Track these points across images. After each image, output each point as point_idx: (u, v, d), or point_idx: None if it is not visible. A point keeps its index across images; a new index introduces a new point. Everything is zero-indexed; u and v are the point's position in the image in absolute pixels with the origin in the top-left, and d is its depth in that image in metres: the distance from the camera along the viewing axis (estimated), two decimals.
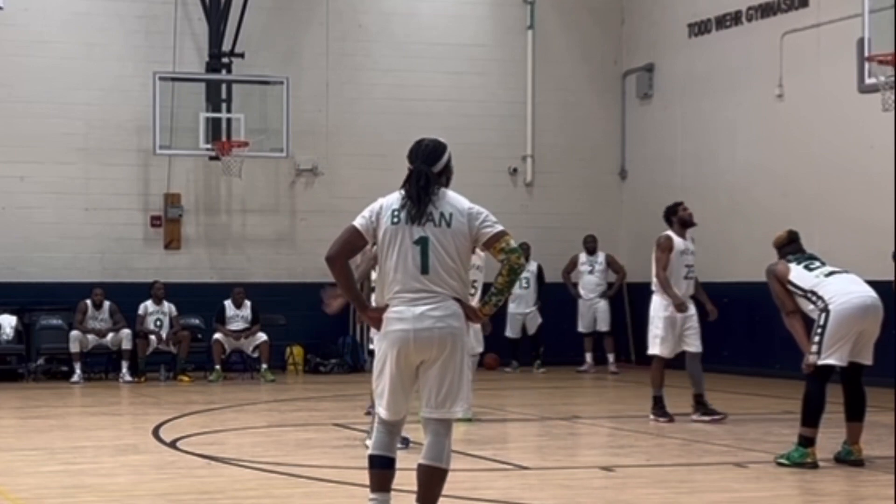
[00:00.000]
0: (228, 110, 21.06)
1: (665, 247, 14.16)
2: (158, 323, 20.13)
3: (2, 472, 10.29)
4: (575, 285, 21.67)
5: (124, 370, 19.59)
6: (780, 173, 19.98)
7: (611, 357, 21.19)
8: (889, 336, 16.39)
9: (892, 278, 14.10)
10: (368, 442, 9.17)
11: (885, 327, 13.58)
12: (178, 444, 11.80)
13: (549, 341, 21.38)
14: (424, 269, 6.96)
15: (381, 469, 7.18)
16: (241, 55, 21.33)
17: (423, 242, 6.97)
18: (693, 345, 14.06)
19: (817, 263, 10.79)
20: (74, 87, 20.91)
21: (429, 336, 6.94)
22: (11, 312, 20.06)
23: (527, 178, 23.17)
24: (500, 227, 7.04)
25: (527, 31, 23.31)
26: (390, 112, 22.32)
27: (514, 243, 7.03)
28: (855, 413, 10.58)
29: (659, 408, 13.78)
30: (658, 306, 14.00)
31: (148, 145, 20.83)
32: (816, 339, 10.36)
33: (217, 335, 19.93)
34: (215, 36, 21.31)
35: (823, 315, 10.35)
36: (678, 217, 14.42)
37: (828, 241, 16.62)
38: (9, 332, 19.91)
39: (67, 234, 20.78)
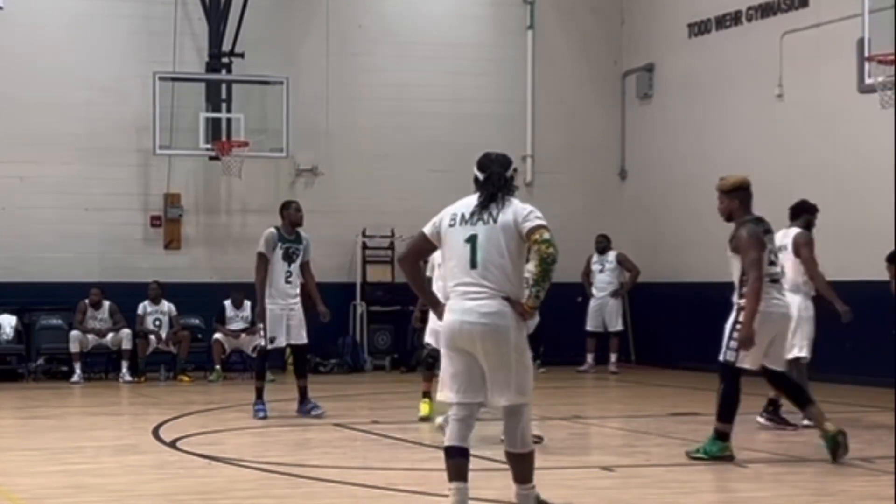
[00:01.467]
0: (228, 110, 21.07)
1: (812, 245, 13.31)
2: (158, 323, 20.13)
3: (2, 472, 10.29)
4: (591, 285, 21.67)
5: (124, 370, 19.59)
6: (779, 173, 19.97)
7: (613, 357, 21.17)
8: (888, 336, 16.41)
9: (890, 279, 14.08)
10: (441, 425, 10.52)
11: (885, 328, 13.61)
12: (178, 444, 11.80)
13: (549, 341, 21.36)
14: (473, 265, 7.47)
15: (458, 458, 7.52)
16: (241, 55, 21.33)
17: (472, 240, 7.48)
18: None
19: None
20: (74, 87, 20.91)
21: (470, 330, 7.44)
22: (11, 312, 20.07)
23: (527, 178, 23.16)
24: (539, 222, 7.51)
25: (527, 31, 23.32)
26: (390, 112, 22.33)
27: (547, 235, 7.46)
28: None
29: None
30: (809, 307, 13.26)
31: (148, 145, 20.84)
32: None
33: (217, 335, 19.94)
34: (215, 36, 21.32)
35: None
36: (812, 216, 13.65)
37: (827, 241, 16.62)
38: (9, 332, 19.92)
39: (67, 234, 20.78)
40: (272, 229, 14.48)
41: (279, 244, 14.33)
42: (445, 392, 7.61)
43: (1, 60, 20.64)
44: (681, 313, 20.91)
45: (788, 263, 12.76)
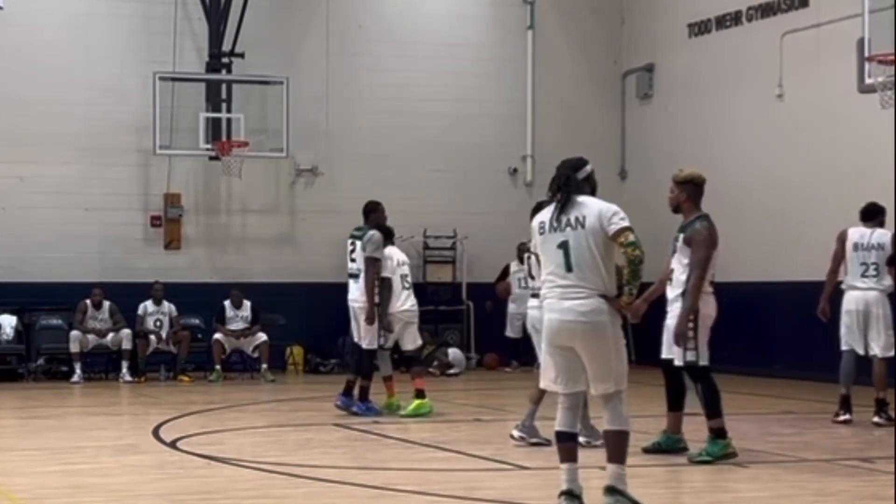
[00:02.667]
0: (228, 110, 21.07)
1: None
2: (158, 323, 20.13)
3: (2, 472, 10.28)
4: None
5: (124, 370, 19.58)
6: (779, 173, 19.98)
7: None
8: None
9: (891, 281, 14.06)
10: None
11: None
12: (178, 444, 11.79)
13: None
14: (569, 268, 7.98)
15: (569, 442, 8.08)
16: (241, 55, 21.33)
17: (564, 246, 7.99)
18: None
19: None
20: (74, 87, 20.91)
21: (571, 328, 7.95)
22: (11, 312, 20.06)
23: (527, 178, 23.17)
24: (624, 224, 7.99)
25: (527, 31, 23.32)
26: (390, 112, 22.33)
27: (632, 238, 7.95)
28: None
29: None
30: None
31: (148, 145, 20.84)
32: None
33: (217, 335, 19.93)
34: (215, 36, 21.31)
35: None
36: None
37: (827, 241, 16.61)
38: (9, 332, 19.92)
39: (67, 234, 20.77)
40: (378, 233, 14.06)
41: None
42: (549, 383, 8.16)
43: (1, 60, 20.64)
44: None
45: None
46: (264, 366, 19.81)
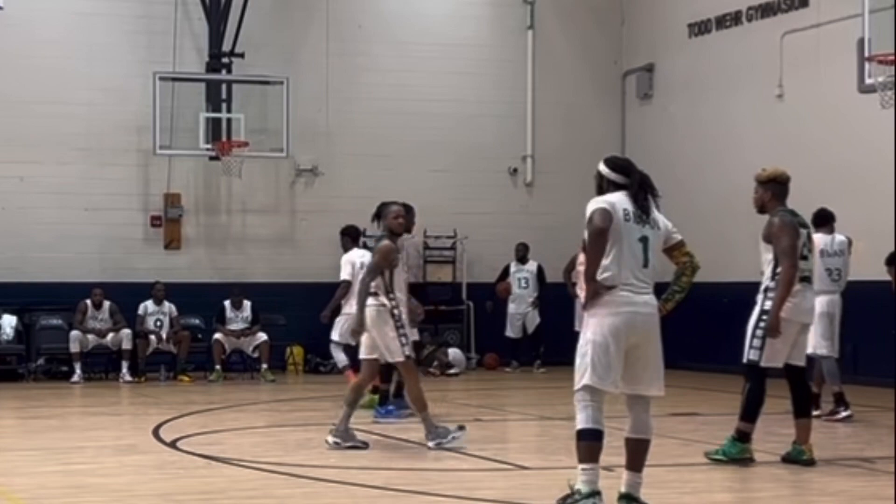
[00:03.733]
0: (228, 110, 21.07)
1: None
2: (158, 323, 20.13)
3: (2, 472, 10.28)
4: (574, 284, 21.63)
5: (124, 370, 19.58)
6: None
7: None
8: (889, 336, 16.41)
9: (891, 279, 14.08)
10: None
11: (885, 328, 13.64)
12: (178, 444, 11.79)
13: (549, 341, 21.36)
14: (645, 264, 8.04)
15: (598, 441, 8.01)
16: (241, 55, 21.34)
17: (644, 241, 8.03)
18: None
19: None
20: (74, 87, 20.91)
21: (645, 322, 7.97)
22: (11, 312, 20.07)
23: (527, 178, 23.17)
24: (681, 237, 8.34)
25: (527, 31, 23.33)
26: (390, 112, 22.34)
27: (688, 249, 8.35)
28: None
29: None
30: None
31: (148, 145, 20.84)
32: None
33: (217, 335, 19.93)
34: (215, 36, 21.32)
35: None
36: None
37: None
38: (9, 332, 19.92)
39: (67, 234, 20.78)
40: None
41: None
42: (596, 379, 7.94)
43: (1, 60, 20.64)
44: (680, 313, 20.84)
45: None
46: (264, 366, 19.82)
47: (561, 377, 20.25)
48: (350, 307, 14.02)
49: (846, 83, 16.63)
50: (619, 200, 8.03)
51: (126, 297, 20.03)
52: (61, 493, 9.29)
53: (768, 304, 10.30)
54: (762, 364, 10.31)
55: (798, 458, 10.31)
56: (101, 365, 20.31)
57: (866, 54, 15.00)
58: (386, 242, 11.63)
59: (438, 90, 22.61)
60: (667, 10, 22.66)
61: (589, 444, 7.98)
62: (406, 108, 22.41)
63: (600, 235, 7.80)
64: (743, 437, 10.36)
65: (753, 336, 10.42)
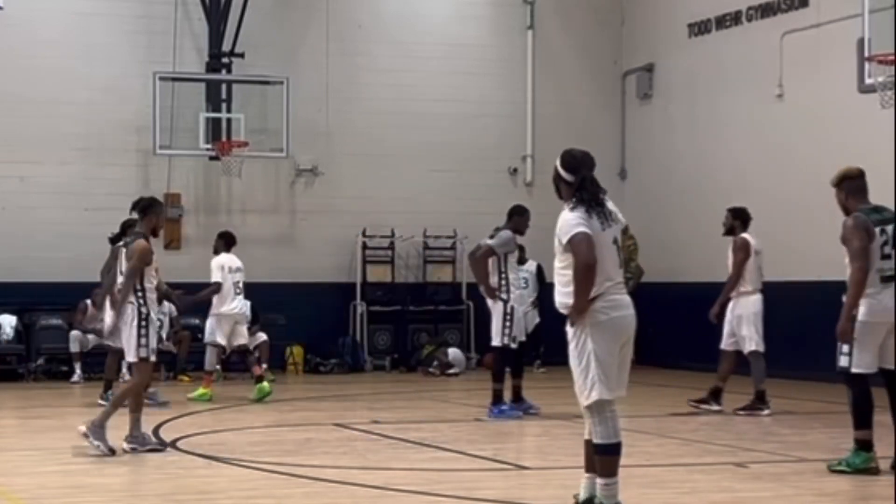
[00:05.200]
0: (228, 110, 21.07)
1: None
2: (158, 323, 20.07)
3: (2, 472, 10.28)
4: None
5: (124, 370, 19.54)
6: (779, 173, 19.98)
7: None
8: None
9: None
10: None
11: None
12: (178, 444, 11.80)
13: (549, 341, 21.35)
14: (621, 263, 7.95)
15: (620, 454, 7.88)
16: (241, 55, 21.34)
17: (616, 242, 7.93)
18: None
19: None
20: (74, 87, 20.91)
21: (632, 322, 7.93)
22: (11, 312, 20.06)
23: (527, 178, 23.17)
24: (624, 220, 8.07)
25: (527, 31, 23.32)
26: (390, 112, 22.33)
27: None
28: None
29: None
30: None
31: (148, 145, 20.84)
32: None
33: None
34: (215, 36, 21.32)
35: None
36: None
37: (827, 241, 16.61)
38: (9, 332, 19.92)
39: (67, 234, 20.75)
40: (511, 232, 14.60)
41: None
42: (606, 391, 7.86)
43: (1, 60, 20.64)
44: (680, 313, 20.89)
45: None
46: (264, 366, 19.79)
47: (561, 377, 20.24)
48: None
49: (846, 83, 16.63)
50: (581, 213, 7.89)
51: None
52: (61, 493, 9.29)
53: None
54: (853, 370, 9.95)
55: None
56: (102, 365, 20.24)
57: (866, 54, 15.00)
58: (142, 241, 11.45)
59: (438, 90, 22.61)
60: (667, 10, 22.66)
61: (615, 458, 7.86)
62: (406, 108, 22.41)
63: (589, 271, 7.67)
64: (864, 445, 9.95)
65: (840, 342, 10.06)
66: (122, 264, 11.75)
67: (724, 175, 21.06)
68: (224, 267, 16.31)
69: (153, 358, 11.49)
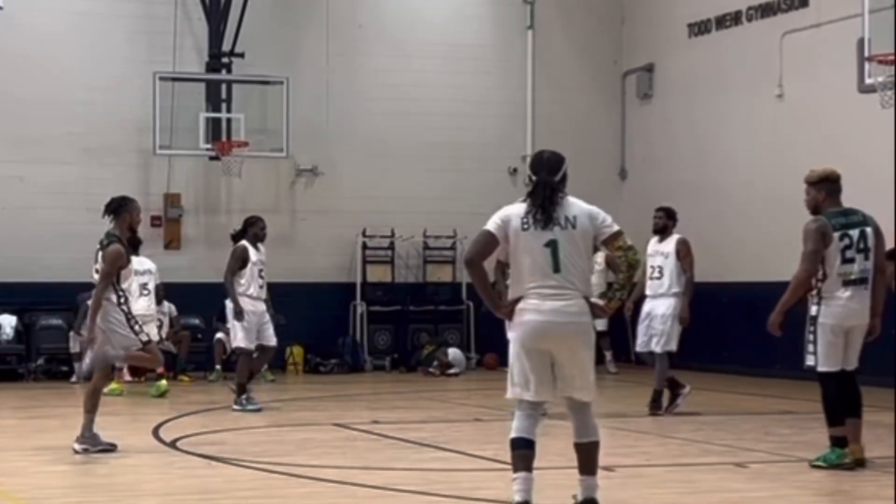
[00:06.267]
0: (228, 110, 21.07)
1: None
2: (159, 323, 20.11)
3: (2, 472, 10.28)
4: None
5: (125, 370, 19.56)
6: (779, 173, 19.97)
7: (608, 355, 21.08)
8: (889, 336, 16.40)
9: (891, 277, 14.06)
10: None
11: (885, 327, 13.63)
12: (178, 444, 11.80)
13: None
14: (556, 269, 7.72)
15: (526, 450, 7.76)
16: (241, 55, 21.33)
17: (552, 245, 7.72)
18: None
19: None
20: (74, 87, 20.90)
21: (560, 330, 7.69)
22: (11, 312, 20.06)
23: (527, 178, 23.16)
24: (617, 228, 7.88)
25: (527, 31, 23.32)
26: (390, 112, 22.33)
27: (629, 241, 7.86)
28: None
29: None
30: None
31: (148, 145, 20.84)
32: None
33: (219, 335, 19.93)
34: (215, 36, 21.32)
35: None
36: None
37: None
38: (9, 332, 19.92)
39: (67, 234, 20.73)
40: None
41: None
42: (517, 390, 7.79)
43: (1, 60, 20.63)
44: None
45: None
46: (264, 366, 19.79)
47: None
48: None
49: (846, 83, 16.63)
50: (517, 210, 7.83)
51: None
52: (61, 493, 9.29)
53: (814, 310, 10.26)
54: (819, 369, 10.17)
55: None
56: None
57: (866, 54, 15.00)
58: (116, 246, 11.38)
59: (438, 90, 22.60)
60: (667, 10, 22.66)
61: (514, 453, 7.77)
62: (406, 108, 22.41)
63: (468, 267, 7.81)
64: (838, 442, 10.11)
65: (806, 341, 10.29)
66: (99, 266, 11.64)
67: (723, 175, 21.06)
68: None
69: (144, 344, 11.37)
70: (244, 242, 15.36)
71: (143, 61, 21.04)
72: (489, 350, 22.42)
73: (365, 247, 22.25)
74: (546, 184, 7.86)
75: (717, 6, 21.38)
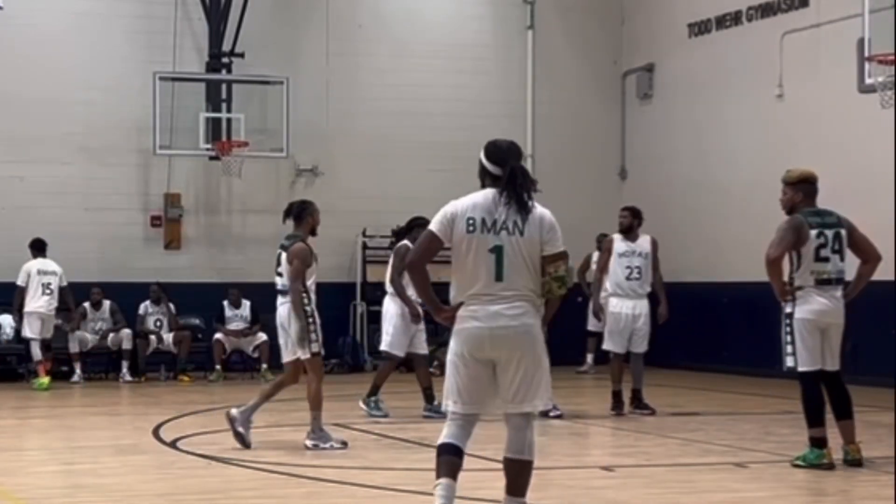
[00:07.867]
0: (228, 110, 21.07)
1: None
2: (158, 323, 20.13)
3: (2, 472, 10.28)
4: (589, 284, 21.56)
5: (124, 370, 19.59)
6: (779, 173, 19.91)
7: (589, 358, 21.06)
8: (889, 336, 16.42)
9: (893, 278, 14.10)
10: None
11: (885, 327, 13.64)
12: (178, 444, 11.80)
13: (548, 341, 21.29)
14: (499, 277, 7.21)
15: (452, 456, 7.25)
16: (241, 55, 21.34)
17: (497, 251, 7.20)
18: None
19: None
20: (74, 87, 20.91)
21: (504, 334, 7.16)
22: (11, 312, 20.04)
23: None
24: (561, 248, 7.23)
25: (527, 31, 23.33)
26: (390, 112, 22.33)
27: (563, 271, 7.22)
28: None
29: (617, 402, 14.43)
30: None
31: (148, 145, 20.84)
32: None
33: (218, 335, 19.94)
34: (215, 36, 21.32)
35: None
36: None
37: None
38: (9, 332, 19.92)
39: (67, 234, 20.75)
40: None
41: None
42: (447, 402, 7.32)
43: (1, 60, 20.64)
44: (680, 313, 20.86)
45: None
46: (264, 366, 19.81)
47: (563, 377, 20.23)
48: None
49: (846, 83, 16.62)
50: (472, 206, 7.30)
51: (126, 297, 20.03)
52: (61, 493, 9.29)
53: (789, 307, 10.26)
54: (800, 369, 10.20)
55: (844, 458, 10.26)
56: (101, 365, 20.32)
57: (866, 54, 15.00)
58: (301, 244, 11.68)
59: (438, 90, 22.60)
60: (667, 10, 22.66)
61: (442, 458, 7.23)
62: (406, 108, 22.41)
63: (409, 270, 7.66)
64: (817, 443, 10.15)
65: (784, 342, 10.31)
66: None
67: (724, 175, 21.06)
68: (31, 272, 18.88)
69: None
70: (406, 242, 14.17)
71: (143, 61, 21.05)
72: None
73: (365, 247, 22.24)
74: (522, 171, 7.26)
75: (717, 6, 21.39)
